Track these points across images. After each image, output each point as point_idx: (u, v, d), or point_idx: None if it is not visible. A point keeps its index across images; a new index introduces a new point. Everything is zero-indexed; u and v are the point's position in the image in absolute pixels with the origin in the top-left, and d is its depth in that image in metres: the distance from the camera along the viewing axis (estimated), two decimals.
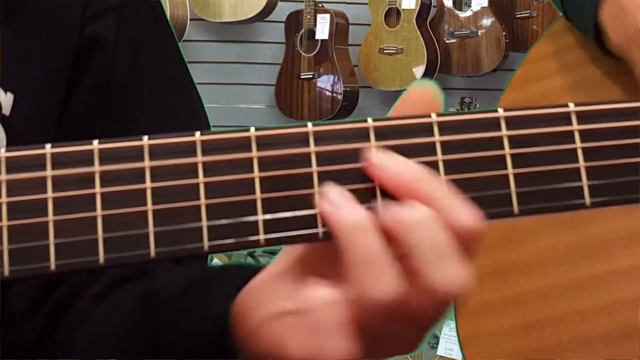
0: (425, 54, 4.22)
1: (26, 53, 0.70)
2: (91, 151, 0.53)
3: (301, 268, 0.54)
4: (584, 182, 0.52)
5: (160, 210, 0.52)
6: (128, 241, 0.52)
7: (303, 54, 4.36)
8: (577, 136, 0.53)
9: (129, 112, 0.74)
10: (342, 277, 0.51)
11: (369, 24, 4.34)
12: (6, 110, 0.68)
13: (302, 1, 4.34)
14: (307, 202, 0.52)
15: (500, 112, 0.53)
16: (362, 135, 0.53)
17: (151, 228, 0.52)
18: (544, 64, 1.05)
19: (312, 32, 4.33)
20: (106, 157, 0.53)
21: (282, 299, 0.53)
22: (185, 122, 0.78)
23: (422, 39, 4.24)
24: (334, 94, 4.32)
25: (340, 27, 4.36)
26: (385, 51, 4.29)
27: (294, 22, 4.39)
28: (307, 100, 4.36)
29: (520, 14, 4.22)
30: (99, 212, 0.52)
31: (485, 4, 4.24)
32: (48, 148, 0.53)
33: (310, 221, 0.52)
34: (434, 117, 0.53)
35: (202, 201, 0.52)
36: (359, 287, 0.50)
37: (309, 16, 4.32)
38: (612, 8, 0.94)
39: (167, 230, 0.52)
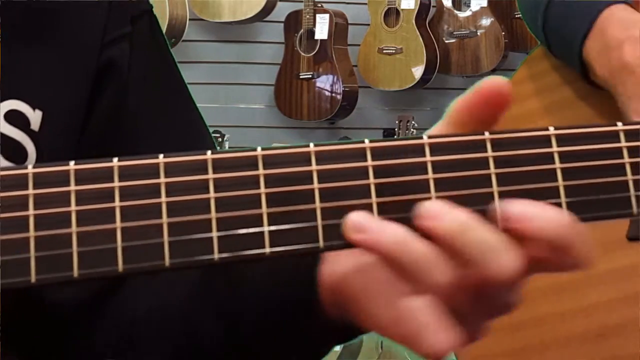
0: (425, 54, 4.28)
1: (51, 73, 0.76)
2: (111, 168, 0.58)
3: None
4: (562, 199, 0.58)
5: (174, 223, 0.57)
6: (145, 252, 0.57)
7: (302, 54, 4.42)
8: (556, 157, 0.58)
9: (140, 131, 0.81)
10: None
11: (368, 24, 4.42)
12: (35, 126, 0.74)
13: (302, 1, 4.41)
14: (310, 216, 0.57)
15: (487, 135, 0.58)
16: (360, 155, 0.58)
17: (166, 240, 0.57)
18: (523, 87, 1.12)
19: (311, 32, 4.40)
20: (125, 173, 0.58)
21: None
22: (190, 139, 0.84)
23: (421, 39, 4.30)
24: (333, 94, 4.39)
25: (339, 27, 4.43)
26: (384, 51, 4.35)
27: (293, 22, 4.46)
28: (307, 100, 4.42)
29: (520, 14, 4.28)
30: (118, 224, 0.57)
31: (485, 4, 4.30)
32: (72, 165, 0.58)
33: (313, 234, 0.57)
34: (425, 139, 0.58)
35: (213, 215, 0.58)
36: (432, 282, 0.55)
37: (308, 16, 4.39)
38: (596, 43, 1.01)
39: (181, 241, 0.57)
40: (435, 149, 0.58)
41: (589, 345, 0.99)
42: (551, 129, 0.58)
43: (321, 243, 0.57)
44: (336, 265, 0.63)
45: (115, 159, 0.58)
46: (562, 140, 0.59)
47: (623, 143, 0.59)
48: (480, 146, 0.58)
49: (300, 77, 4.42)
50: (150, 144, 0.78)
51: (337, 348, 3.68)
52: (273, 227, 0.57)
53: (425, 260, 0.55)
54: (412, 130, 4.13)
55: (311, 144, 0.58)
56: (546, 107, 1.10)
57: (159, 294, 0.75)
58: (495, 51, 4.28)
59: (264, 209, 0.58)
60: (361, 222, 0.56)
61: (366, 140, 0.58)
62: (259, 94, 4.64)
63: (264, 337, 0.70)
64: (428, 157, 0.58)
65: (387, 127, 4.51)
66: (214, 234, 0.57)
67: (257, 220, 0.57)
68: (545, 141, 0.59)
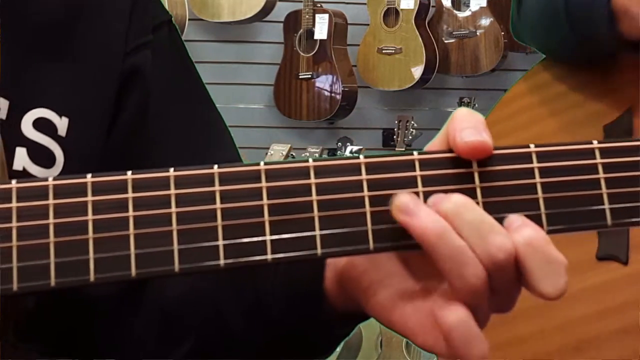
0: (424, 54, 4.31)
1: (77, 82, 0.82)
2: (125, 180, 0.64)
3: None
4: (542, 211, 0.63)
5: (183, 232, 0.63)
6: (156, 258, 0.63)
7: (302, 54, 4.45)
8: (536, 172, 0.64)
9: (163, 134, 0.86)
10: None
11: (368, 24, 4.45)
12: (62, 132, 0.80)
13: (301, 1, 4.44)
14: (308, 225, 0.63)
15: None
16: (355, 169, 0.64)
17: (176, 247, 0.63)
18: (517, 103, 1.19)
19: (310, 32, 4.43)
20: (138, 185, 0.64)
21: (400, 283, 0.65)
22: (211, 140, 0.90)
23: (420, 39, 4.33)
24: (333, 94, 4.42)
25: (339, 27, 4.46)
26: (383, 51, 4.38)
27: (292, 22, 4.49)
28: (306, 100, 4.46)
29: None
30: (131, 232, 0.63)
31: (484, 4, 4.33)
32: (89, 177, 0.63)
33: (311, 242, 0.63)
34: (415, 156, 0.64)
35: (219, 224, 0.63)
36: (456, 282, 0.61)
37: (307, 16, 4.42)
38: None
39: (189, 248, 0.63)
40: (424, 164, 0.64)
41: (567, 358, 1.06)
42: (532, 146, 0.64)
43: (319, 250, 0.63)
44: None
45: (129, 172, 0.64)
46: (541, 156, 0.64)
47: (598, 159, 0.64)
48: (466, 162, 0.64)
49: (300, 77, 4.45)
50: (173, 146, 0.85)
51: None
52: (275, 237, 0.63)
53: (463, 254, 0.60)
54: (411, 130, 4.15)
55: (310, 159, 0.64)
56: (554, 115, 1.18)
57: (189, 281, 0.81)
58: (495, 51, 4.32)
59: (267, 218, 0.63)
60: (409, 204, 0.61)
61: (361, 156, 0.64)
62: (259, 94, 4.68)
63: (278, 323, 0.76)
64: (418, 172, 0.64)
65: (387, 127, 4.55)
66: (220, 242, 0.63)
67: (260, 229, 0.63)
68: (527, 157, 0.64)
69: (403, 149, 4.15)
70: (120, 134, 0.84)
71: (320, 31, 4.42)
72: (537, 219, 0.63)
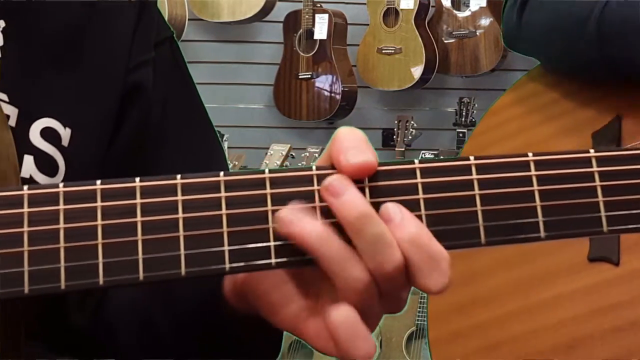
0: (424, 54, 4.34)
1: (80, 95, 0.84)
2: (134, 187, 0.65)
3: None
4: (540, 218, 0.65)
5: (190, 237, 0.65)
6: (163, 262, 0.65)
7: (301, 54, 4.48)
8: (534, 180, 0.66)
9: (162, 148, 0.89)
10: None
11: (368, 24, 4.47)
12: (65, 142, 0.82)
13: (301, 1, 4.46)
14: None
15: (472, 160, 0.66)
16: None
17: (182, 252, 0.65)
18: (505, 113, 1.23)
19: (310, 32, 4.45)
20: (146, 192, 0.65)
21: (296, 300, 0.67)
22: (206, 155, 0.93)
23: (420, 39, 4.35)
24: (333, 94, 4.45)
25: (338, 27, 4.49)
26: (383, 51, 4.40)
27: (292, 22, 4.51)
28: (306, 100, 4.48)
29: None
30: (139, 237, 0.65)
31: (484, 4, 4.35)
32: (98, 184, 0.65)
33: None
34: (416, 164, 0.66)
35: (225, 229, 0.65)
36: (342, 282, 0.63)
37: (307, 16, 4.44)
38: None
39: (196, 253, 0.65)
40: (425, 172, 0.66)
41: (560, 357, 1.09)
42: (530, 154, 0.66)
43: None
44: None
45: (137, 179, 0.66)
46: (539, 164, 0.66)
47: (595, 168, 0.66)
48: (466, 170, 0.66)
49: (300, 77, 4.47)
50: (171, 159, 0.87)
51: None
52: (278, 242, 0.65)
53: (344, 255, 0.63)
54: (411, 130, 4.17)
55: (314, 167, 0.66)
56: (550, 122, 1.21)
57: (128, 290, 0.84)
58: (495, 51, 4.34)
59: (270, 225, 0.65)
60: (288, 216, 0.64)
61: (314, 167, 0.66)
62: (258, 94, 4.70)
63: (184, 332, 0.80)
64: (419, 179, 0.66)
65: (387, 127, 4.57)
66: (226, 247, 0.65)
67: (264, 235, 0.65)
68: (525, 166, 0.66)
69: (403, 149, 4.17)
70: (120, 147, 0.86)
71: (320, 31, 4.44)
72: (534, 227, 0.65)
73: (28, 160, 0.79)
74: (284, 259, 0.65)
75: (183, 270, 0.65)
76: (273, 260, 0.65)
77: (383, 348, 3.80)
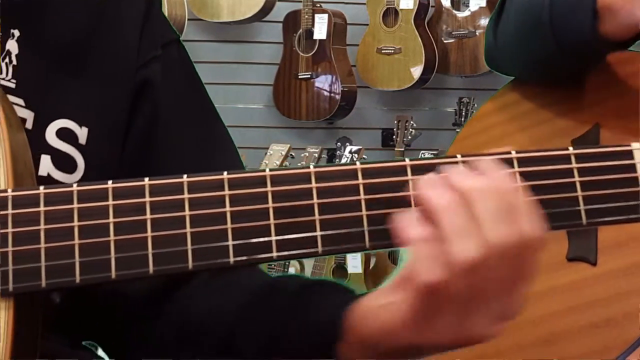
0: (423, 54, 4.36)
1: (94, 95, 0.90)
2: (143, 186, 0.71)
3: None
4: None
5: (196, 233, 0.70)
6: (171, 257, 0.70)
7: (301, 54, 4.51)
8: (517, 177, 0.71)
9: (172, 143, 0.94)
10: None
11: (367, 24, 4.50)
12: (82, 141, 0.88)
13: (300, 1, 4.49)
14: (310, 226, 0.70)
15: (459, 157, 0.71)
16: (352, 174, 0.71)
17: (189, 247, 0.70)
18: (487, 120, 1.31)
19: (310, 32, 4.48)
20: (154, 190, 0.71)
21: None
22: (216, 149, 0.98)
23: (420, 39, 4.38)
24: (332, 94, 4.48)
25: (338, 27, 4.51)
26: (383, 51, 4.43)
27: (291, 22, 4.54)
28: (305, 100, 4.51)
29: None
30: (149, 233, 0.70)
31: (483, 4, 4.37)
32: (110, 184, 0.71)
33: (312, 241, 0.70)
34: (407, 162, 0.71)
35: (229, 225, 0.71)
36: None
37: (307, 16, 4.47)
38: None
39: (202, 248, 0.70)
40: (415, 169, 0.71)
41: (539, 350, 1.15)
42: (513, 152, 0.71)
43: (320, 249, 0.70)
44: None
45: (146, 179, 0.71)
46: (522, 162, 0.72)
47: (574, 164, 0.72)
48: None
49: (299, 77, 4.51)
50: (183, 154, 0.93)
51: None
52: (280, 237, 0.70)
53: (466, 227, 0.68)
54: (410, 130, 4.20)
55: (311, 165, 0.71)
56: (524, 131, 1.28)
57: (215, 298, 0.88)
58: None
59: (272, 220, 0.71)
60: (432, 178, 0.70)
61: (357, 163, 0.71)
62: (258, 94, 4.73)
63: None
64: (410, 177, 0.71)
65: (386, 127, 4.61)
66: (230, 242, 0.70)
67: (266, 230, 0.70)
68: (509, 163, 0.72)
69: (402, 149, 4.20)
70: (134, 141, 0.92)
71: (320, 31, 4.47)
72: None
73: (45, 159, 0.85)
74: (285, 253, 0.70)
75: (190, 264, 0.70)
76: (275, 254, 0.71)
77: None
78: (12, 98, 0.82)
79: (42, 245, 0.70)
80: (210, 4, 4.47)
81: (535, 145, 1.27)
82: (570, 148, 0.72)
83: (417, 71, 4.39)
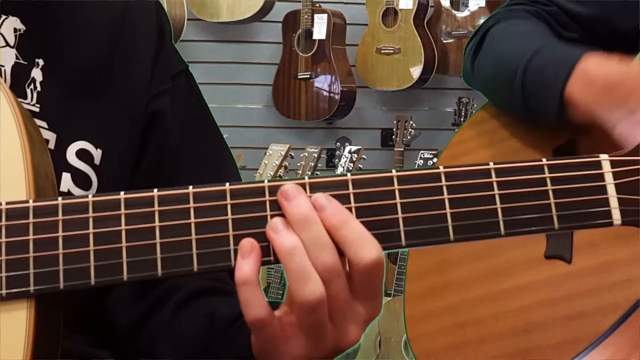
0: (423, 54, 4.44)
1: (109, 121, 0.99)
2: (152, 197, 0.79)
3: None
4: (500, 217, 0.79)
5: (201, 239, 0.78)
6: (178, 261, 0.78)
7: (300, 54, 4.58)
8: (495, 186, 0.79)
9: (180, 167, 1.04)
10: None
11: (367, 24, 4.57)
12: (97, 161, 0.97)
13: (300, 1, 4.56)
14: None
15: (441, 169, 0.79)
16: (343, 185, 0.79)
17: (194, 251, 0.78)
18: (466, 144, 1.45)
19: (309, 32, 4.55)
20: (163, 200, 0.79)
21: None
22: (220, 169, 1.09)
23: (419, 39, 4.45)
24: (331, 94, 4.55)
25: (337, 27, 4.58)
26: (382, 51, 4.50)
27: (291, 22, 4.61)
28: (305, 100, 4.58)
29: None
30: (157, 239, 0.78)
31: (483, 4, 4.44)
32: (122, 194, 0.79)
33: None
34: (394, 173, 0.79)
35: (230, 232, 0.78)
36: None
37: (306, 16, 4.54)
38: (579, 81, 1.29)
39: (206, 252, 0.78)
40: (402, 180, 0.79)
41: (517, 339, 1.27)
42: (491, 163, 0.79)
43: None
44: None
45: (155, 190, 0.79)
46: (499, 172, 0.79)
47: (547, 174, 0.80)
48: (436, 178, 0.79)
49: (298, 77, 4.58)
50: (189, 174, 1.01)
51: None
52: None
53: (305, 272, 0.77)
54: (410, 130, 4.25)
55: (306, 177, 0.79)
56: (495, 155, 1.42)
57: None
58: None
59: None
60: (277, 223, 0.78)
61: (348, 174, 0.79)
62: (257, 94, 4.80)
63: None
64: (396, 187, 0.79)
65: (385, 127, 4.68)
66: (232, 247, 0.78)
67: (264, 236, 0.78)
68: (487, 173, 0.79)
69: (402, 149, 4.26)
70: (145, 168, 1.02)
71: (319, 31, 4.53)
72: (495, 226, 0.79)
73: (66, 177, 0.94)
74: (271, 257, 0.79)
75: (195, 267, 0.78)
76: (273, 257, 0.79)
77: (382, 348, 3.88)
78: (36, 121, 0.91)
79: (60, 251, 0.78)
80: (209, 4, 4.54)
81: (518, 153, 1.39)
82: (544, 159, 0.80)
83: (416, 71, 4.46)
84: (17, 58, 0.95)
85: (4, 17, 0.95)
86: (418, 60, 4.45)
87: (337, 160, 4.29)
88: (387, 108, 4.82)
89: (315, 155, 3.92)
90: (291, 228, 0.78)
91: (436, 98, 4.77)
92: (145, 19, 1.06)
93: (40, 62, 0.96)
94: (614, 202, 0.80)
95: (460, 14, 4.51)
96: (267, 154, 3.93)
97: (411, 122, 4.28)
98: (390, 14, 4.51)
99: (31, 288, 0.78)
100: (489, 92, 1.48)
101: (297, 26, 4.59)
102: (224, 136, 1.13)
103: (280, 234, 0.77)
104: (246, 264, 0.77)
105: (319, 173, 3.88)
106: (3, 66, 0.94)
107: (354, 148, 3.99)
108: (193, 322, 0.97)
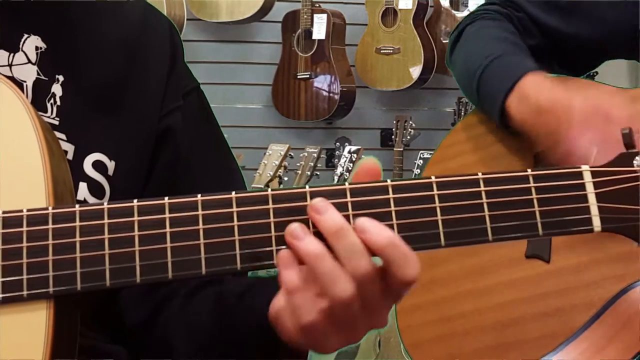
0: (422, 54, 4.49)
1: (123, 134, 1.07)
2: (163, 204, 0.86)
3: None
4: (488, 224, 0.86)
5: (208, 244, 0.85)
6: (187, 264, 0.85)
7: (300, 54, 4.63)
8: (483, 195, 0.86)
9: (191, 179, 1.12)
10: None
11: (366, 24, 4.63)
12: (110, 172, 1.05)
13: (299, 1, 4.61)
14: None
15: (433, 179, 0.86)
16: (341, 194, 0.86)
17: (203, 255, 0.85)
18: (456, 147, 1.57)
19: (309, 32, 4.61)
20: (173, 208, 0.86)
21: None
22: (228, 181, 1.16)
23: (419, 39, 4.51)
24: (331, 94, 4.61)
25: (337, 27, 4.64)
26: (382, 51, 4.56)
27: (290, 22, 4.66)
28: (304, 100, 4.64)
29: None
30: (168, 244, 0.85)
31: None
32: (135, 202, 0.86)
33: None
34: (389, 182, 0.86)
35: (236, 237, 0.85)
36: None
37: (306, 16, 4.59)
38: (516, 97, 1.42)
39: (213, 256, 0.85)
40: (396, 189, 0.86)
41: (498, 332, 1.38)
42: (479, 174, 0.86)
43: None
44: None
45: (166, 198, 0.86)
46: (487, 182, 0.86)
47: (532, 184, 0.87)
48: (428, 187, 0.86)
49: (298, 77, 4.63)
50: (198, 185, 1.09)
51: None
52: (281, 247, 0.85)
53: (334, 273, 0.83)
54: (409, 130, 4.30)
55: (307, 186, 0.86)
56: (479, 161, 1.54)
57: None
58: None
59: (273, 233, 0.86)
60: (297, 230, 0.84)
61: (346, 183, 0.86)
62: (257, 94, 4.86)
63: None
64: (391, 195, 0.86)
65: (385, 127, 4.74)
66: (237, 252, 0.85)
67: (268, 241, 0.85)
68: (476, 183, 0.86)
69: (401, 149, 4.31)
70: (157, 177, 1.10)
71: (319, 31, 4.59)
72: (483, 232, 0.86)
73: (82, 186, 1.02)
74: None
75: (203, 270, 0.85)
76: (275, 261, 0.85)
77: (382, 348, 3.90)
78: (56, 133, 0.98)
79: (78, 254, 0.85)
80: (209, 4, 4.59)
81: (500, 158, 1.51)
82: (529, 170, 0.87)
83: (416, 71, 4.51)
84: (38, 74, 1.03)
85: (26, 35, 1.03)
86: (418, 60, 4.51)
87: (336, 160, 4.32)
88: (386, 108, 4.88)
89: (315, 155, 3.95)
90: (309, 233, 0.84)
91: (436, 98, 4.82)
92: (160, 38, 1.14)
93: (60, 78, 1.04)
94: (594, 210, 0.87)
95: (459, 14, 4.56)
96: (267, 154, 3.95)
97: (411, 122, 4.32)
98: (390, 14, 4.56)
99: (50, 289, 0.85)
100: (461, 87, 1.61)
101: (297, 26, 4.64)
102: (224, 136, 1.21)
103: (303, 241, 0.84)
104: (289, 274, 0.84)
105: (318, 173, 3.93)
106: (25, 82, 1.02)
107: (353, 148, 4.02)
108: (204, 304, 1.04)
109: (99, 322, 1.03)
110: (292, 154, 3.99)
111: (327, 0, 4.73)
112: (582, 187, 0.87)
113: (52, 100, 1.02)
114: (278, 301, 0.88)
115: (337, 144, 4.62)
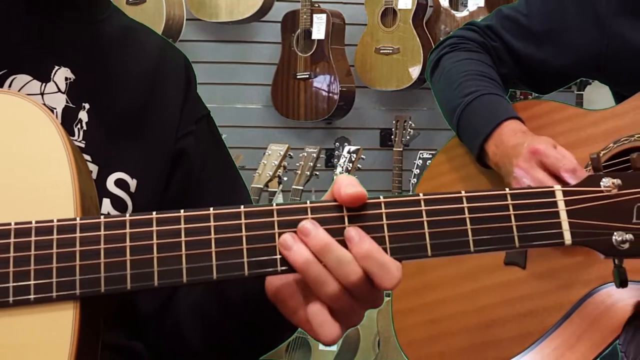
0: (422, 54, 4.58)
1: (143, 155, 1.21)
2: (179, 216, 0.98)
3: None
4: (470, 237, 0.98)
5: (219, 252, 0.97)
6: (200, 270, 0.97)
7: (299, 54, 4.73)
8: (466, 210, 0.98)
9: (201, 193, 1.26)
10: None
11: (366, 24, 4.71)
12: (132, 189, 1.19)
13: (299, 1, 4.70)
14: None
15: (421, 196, 0.98)
16: (338, 209, 0.98)
17: (214, 262, 0.97)
18: (441, 167, 1.79)
19: (308, 32, 4.70)
20: (188, 219, 0.98)
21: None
22: (235, 197, 1.31)
23: (418, 39, 4.61)
24: (330, 94, 4.70)
25: (336, 27, 4.73)
26: (381, 51, 4.66)
27: (290, 22, 4.76)
28: (304, 100, 4.73)
29: None
30: (183, 252, 0.98)
31: (482, 4, 4.58)
32: (154, 214, 0.98)
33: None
34: (381, 199, 0.98)
35: (244, 246, 0.98)
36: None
37: (305, 16, 4.68)
38: (494, 142, 1.65)
39: (224, 263, 0.97)
40: (387, 205, 0.98)
41: (481, 332, 1.57)
42: (463, 192, 0.99)
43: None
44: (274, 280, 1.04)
45: (182, 210, 0.98)
46: (469, 199, 0.99)
47: (510, 201, 0.99)
48: (417, 203, 0.98)
49: (297, 77, 4.73)
50: (209, 200, 1.22)
51: (334, 347, 3.94)
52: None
53: (321, 278, 0.96)
54: (409, 130, 4.38)
55: (308, 201, 0.98)
56: (458, 179, 1.76)
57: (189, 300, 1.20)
58: None
59: (277, 242, 0.98)
60: (287, 241, 0.97)
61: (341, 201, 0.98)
62: (256, 94, 4.95)
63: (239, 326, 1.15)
64: (384, 210, 0.98)
65: (384, 127, 4.83)
66: (245, 259, 0.97)
67: (273, 250, 0.98)
68: (459, 200, 0.99)
69: (401, 149, 4.39)
70: (172, 193, 1.24)
71: (318, 31, 4.68)
72: (466, 244, 0.98)
73: (106, 202, 1.16)
74: (286, 267, 0.98)
75: (214, 275, 0.98)
76: (279, 268, 0.98)
77: (381, 348, 3.99)
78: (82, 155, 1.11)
79: (102, 260, 0.97)
80: (208, 4, 4.68)
81: (485, 174, 1.73)
82: (507, 189, 0.99)
83: (415, 71, 4.60)
84: (67, 102, 1.17)
85: (57, 67, 1.17)
86: (417, 60, 4.60)
87: (336, 160, 4.39)
88: (386, 108, 4.96)
89: (314, 155, 4.04)
90: (299, 240, 0.96)
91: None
92: (176, 71, 1.29)
93: (87, 105, 1.18)
94: (565, 225, 0.99)
95: (459, 14, 4.65)
96: (266, 154, 4.04)
97: (410, 122, 4.40)
98: (389, 14, 4.65)
99: (77, 291, 0.97)
100: (441, 110, 1.82)
101: (296, 26, 4.73)
102: (223, 136, 1.37)
103: (291, 251, 0.96)
104: (296, 251, 0.96)
105: (317, 173, 4.01)
106: (55, 109, 1.16)
107: (353, 148, 4.10)
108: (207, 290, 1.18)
109: (120, 321, 1.16)
110: (291, 154, 4.08)
111: (326, 0, 4.80)
112: (555, 204, 0.99)
113: (79, 126, 1.17)
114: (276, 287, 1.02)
115: (337, 144, 4.71)
